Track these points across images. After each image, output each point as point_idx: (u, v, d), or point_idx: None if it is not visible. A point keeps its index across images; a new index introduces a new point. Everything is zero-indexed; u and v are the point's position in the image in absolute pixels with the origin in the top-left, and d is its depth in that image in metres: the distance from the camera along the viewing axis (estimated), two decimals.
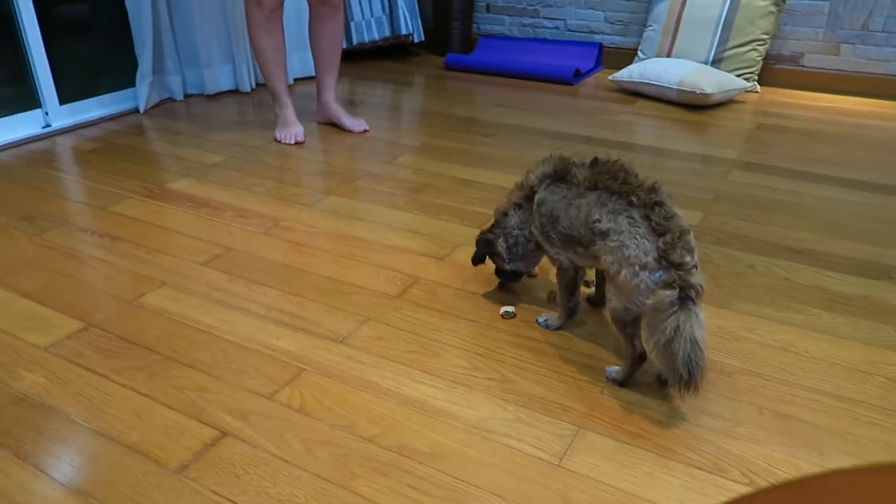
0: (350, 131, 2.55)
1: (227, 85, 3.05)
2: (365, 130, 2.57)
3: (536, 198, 1.31)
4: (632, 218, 1.13)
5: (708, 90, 2.81)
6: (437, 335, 1.35)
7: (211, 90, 2.99)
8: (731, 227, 1.82)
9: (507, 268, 1.43)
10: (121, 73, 2.80)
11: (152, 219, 1.85)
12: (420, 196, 2.01)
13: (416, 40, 3.68)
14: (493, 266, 1.49)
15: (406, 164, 2.26)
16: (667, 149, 2.42)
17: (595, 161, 1.24)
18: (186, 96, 2.99)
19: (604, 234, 1.15)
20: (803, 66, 3.22)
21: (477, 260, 1.46)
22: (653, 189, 1.14)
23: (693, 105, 2.91)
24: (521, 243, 1.39)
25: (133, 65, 2.75)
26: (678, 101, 2.93)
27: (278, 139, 2.44)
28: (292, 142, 2.42)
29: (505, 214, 1.41)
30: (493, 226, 1.44)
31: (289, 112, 2.47)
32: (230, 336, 1.35)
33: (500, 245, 1.41)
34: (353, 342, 1.33)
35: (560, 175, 1.28)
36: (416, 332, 1.36)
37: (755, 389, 1.21)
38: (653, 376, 1.22)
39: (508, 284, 1.52)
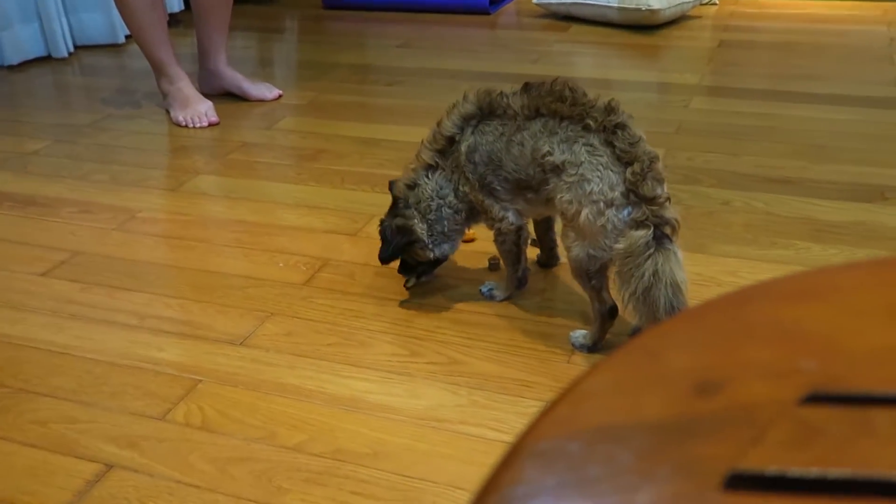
0: (261, 100, 2.54)
1: (35, 51, 3.03)
2: (279, 95, 2.57)
3: (463, 146, 1.38)
4: (590, 146, 1.24)
5: (655, 5, 3.01)
6: (361, 322, 1.45)
7: (14, 59, 2.96)
8: (698, 162, 2.00)
9: (431, 256, 1.44)
10: None
11: None
12: (315, 164, 2.10)
13: None
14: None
15: (291, 128, 2.33)
16: (614, 80, 2.59)
17: (527, 86, 1.35)
18: None
19: (558, 169, 1.25)
20: None
21: (389, 257, 1.44)
22: (610, 109, 1.26)
23: (639, 25, 3.10)
24: (445, 217, 1.41)
25: None
26: (621, 22, 3.12)
27: (182, 123, 2.36)
28: (205, 124, 2.35)
29: (411, 187, 1.42)
30: (393, 206, 1.44)
31: (185, 85, 2.40)
32: (95, 354, 1.39)
33: (419, 228, 1.41)
34: (255, 342, 1.40)
35: (487, 111, 1.37)
36: (334, 322, 1.45)
37: None
38: (626, 336, 1.36)
39: (423, 277, 1.52)
